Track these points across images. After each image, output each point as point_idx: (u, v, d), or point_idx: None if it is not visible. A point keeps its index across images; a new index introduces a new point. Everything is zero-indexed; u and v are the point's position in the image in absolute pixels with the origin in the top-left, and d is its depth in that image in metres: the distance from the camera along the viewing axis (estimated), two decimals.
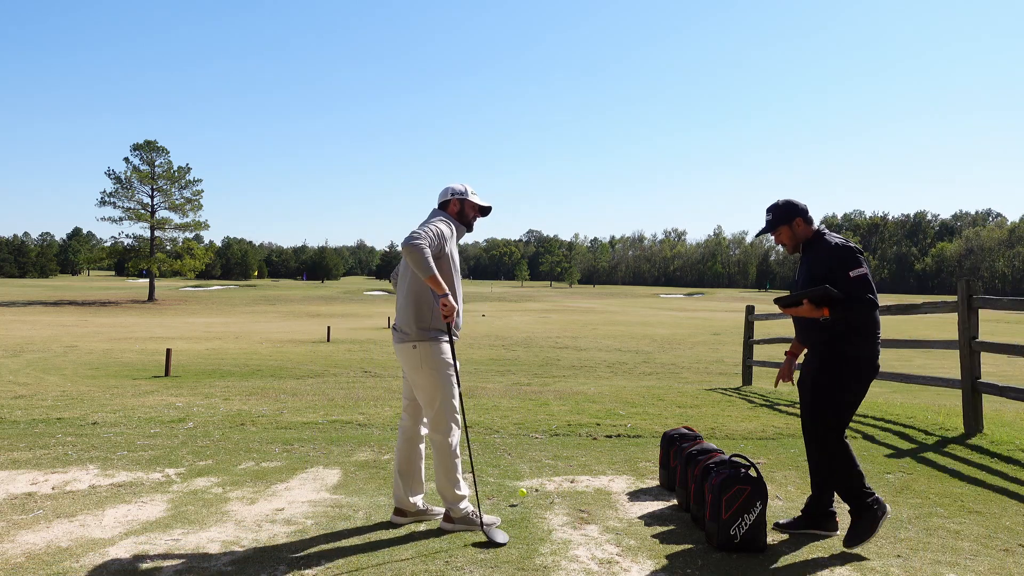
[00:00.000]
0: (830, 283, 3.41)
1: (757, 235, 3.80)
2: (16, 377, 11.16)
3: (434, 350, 3.68)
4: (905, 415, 7.32)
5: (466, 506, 3.73)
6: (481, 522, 3.66)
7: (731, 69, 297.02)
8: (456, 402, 3.75)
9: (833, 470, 3.51)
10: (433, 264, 3.49)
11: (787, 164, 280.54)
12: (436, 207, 3.94)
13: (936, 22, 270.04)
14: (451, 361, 3.74)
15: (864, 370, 3.50)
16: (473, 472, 3.98)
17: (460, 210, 3.91)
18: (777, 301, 3.49)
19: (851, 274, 3.40)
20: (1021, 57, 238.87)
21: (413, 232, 3.53)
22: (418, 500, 3.83)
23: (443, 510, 3.85)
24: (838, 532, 3.66)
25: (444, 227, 3.70)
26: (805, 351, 3.85)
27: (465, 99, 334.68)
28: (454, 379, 3.74)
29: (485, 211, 4.01)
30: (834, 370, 3.49)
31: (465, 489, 3.76)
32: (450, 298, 3.54)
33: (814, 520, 3.68)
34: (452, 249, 3.74)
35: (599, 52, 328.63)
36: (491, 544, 3.46)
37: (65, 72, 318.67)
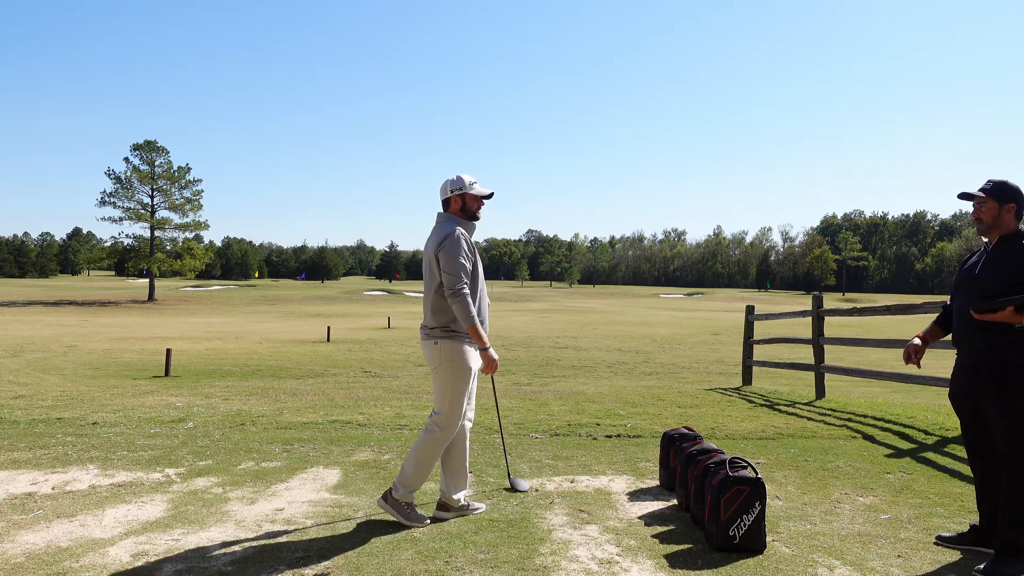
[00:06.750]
0: None
1: (960, 195, 3.51)
2: (16, 377, 11.16)
3: (455, 350, 3.70)
4: (905, 415, 7.33)
5: (411, 499, 3.78)
6: (414, 515, 3.73)
7: (731, 68, 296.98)
8: (464, 407, 3.81)
9: None
10: (475, 314, 3.56)
11: (787, 163, 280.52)
12: (440, 209, 3.90)
13: (936, 21, 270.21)
14: (471, 365, 3.76)
15: None
16: (443, 473, 3.99)
17: (462, 205, 3.83)
18: (975, 309, 3.28)
19: None
20: (1022, 56, 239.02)
21: (454, 278, 3.55)
22: (461, 496, 3.88)
23: (483, 506, 3.99)
24: None
25: (465, 242, 3.67)
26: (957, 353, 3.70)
27: (465, 97, 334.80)
28: (471, 385, 3.81)
29: (488, 197, 3.91)
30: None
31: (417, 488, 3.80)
32: (492, 351, 3.66)
33: (984, 539, 3.48)
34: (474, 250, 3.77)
35: (599, 51, 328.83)
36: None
37: (65, 71, 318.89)
